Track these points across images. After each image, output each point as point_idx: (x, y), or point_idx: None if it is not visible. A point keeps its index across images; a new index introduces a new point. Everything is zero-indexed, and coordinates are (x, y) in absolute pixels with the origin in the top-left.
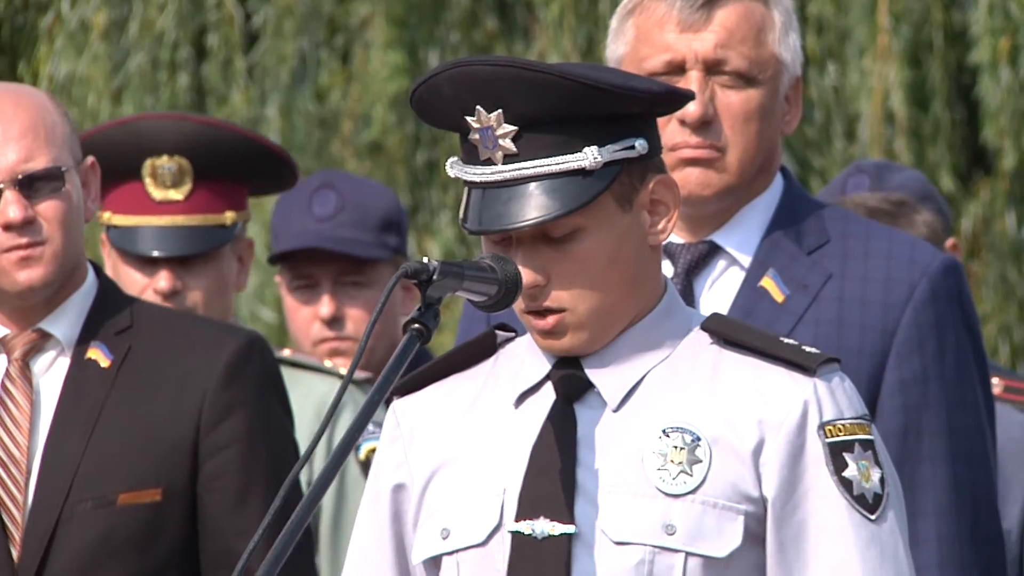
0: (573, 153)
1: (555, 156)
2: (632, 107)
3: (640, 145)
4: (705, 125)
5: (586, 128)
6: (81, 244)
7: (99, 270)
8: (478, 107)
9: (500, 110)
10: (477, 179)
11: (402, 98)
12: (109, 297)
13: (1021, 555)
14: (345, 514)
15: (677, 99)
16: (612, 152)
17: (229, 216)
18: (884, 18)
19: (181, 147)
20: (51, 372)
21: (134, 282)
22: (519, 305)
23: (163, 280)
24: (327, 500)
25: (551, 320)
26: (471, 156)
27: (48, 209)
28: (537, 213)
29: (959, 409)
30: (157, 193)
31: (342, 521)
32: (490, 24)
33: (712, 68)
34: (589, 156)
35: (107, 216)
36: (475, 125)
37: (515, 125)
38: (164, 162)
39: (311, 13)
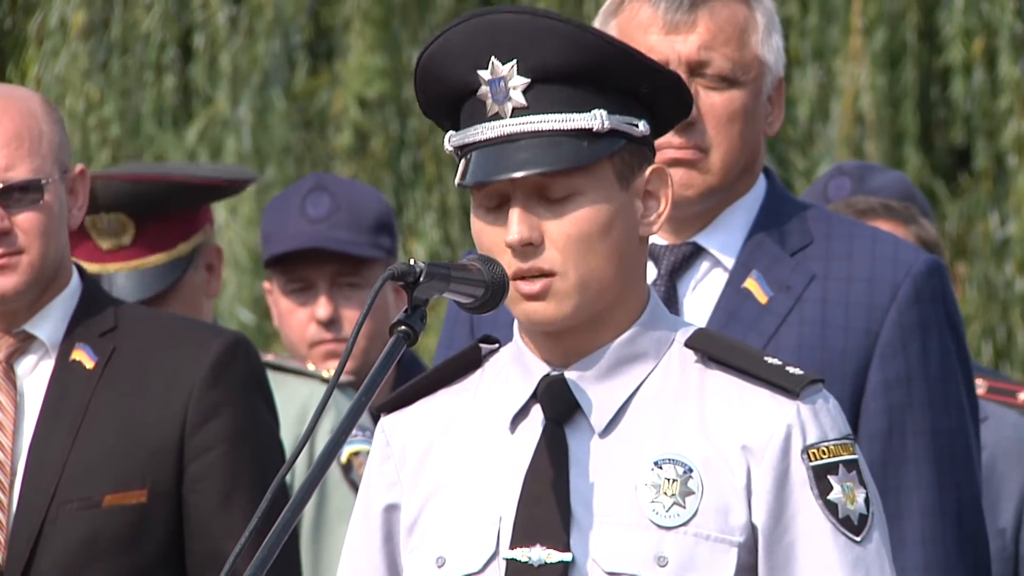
0: (582, 112)
1: (564, 112)
2: (642, 81)
3: (643, 126)
4: (688, 126)
5: (596, 92)
6: (64, 251)
7: (84, 272)
8: (492, 58)
9: (515, 61)
10: (482, 136)
11: (386, 100)
12: (93, 299)
13: (1016, 553)
14: (326, 515)
15: (682, 90)
16: (619, 121)
17: (182, 248)
18: (858, 20)
19: (114, 205)
20: (35, 374)
21: None
22: (508, 267)
23: None
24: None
25: (539, 285)
26: (475, 115)
27: (26, 221)
28: (540, 166)
29: (943, 409)
30: (104, 244)
31: (323, 521)
32: None
33: (695, 69)
34: (598, 117)
35: None
36: (487, 77)
37: (528, 77)
38: (103, 219)
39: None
